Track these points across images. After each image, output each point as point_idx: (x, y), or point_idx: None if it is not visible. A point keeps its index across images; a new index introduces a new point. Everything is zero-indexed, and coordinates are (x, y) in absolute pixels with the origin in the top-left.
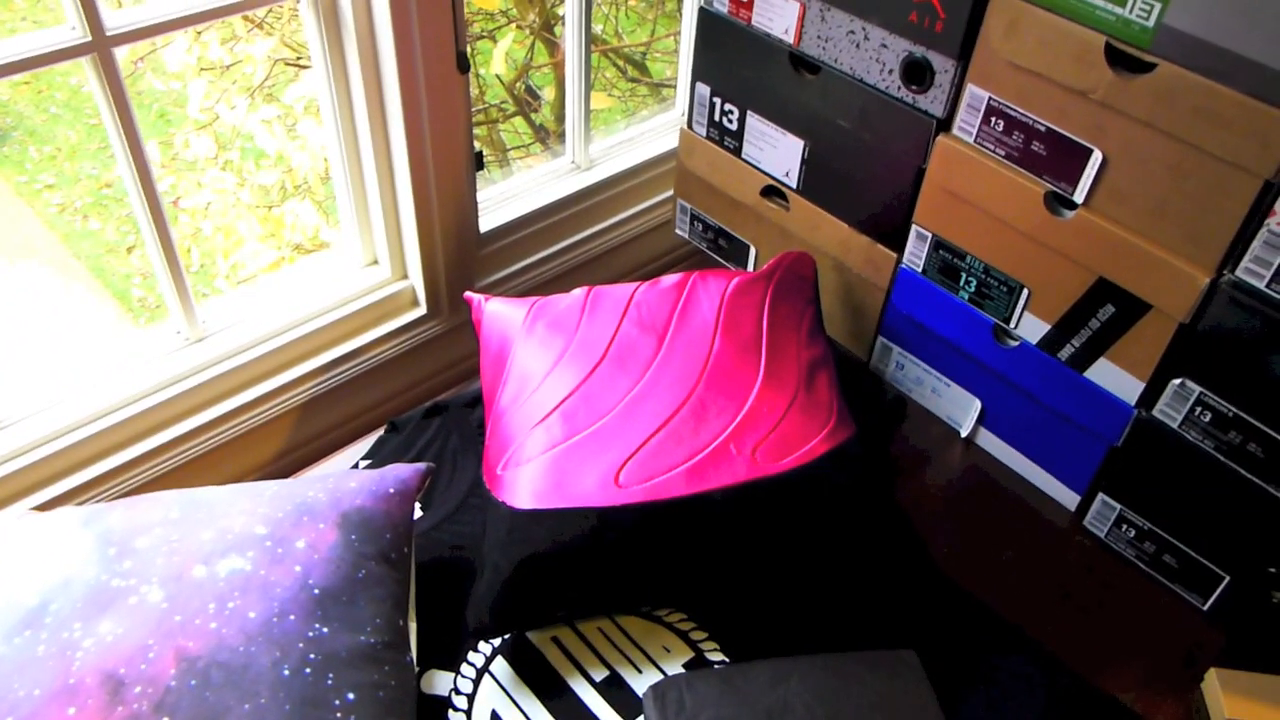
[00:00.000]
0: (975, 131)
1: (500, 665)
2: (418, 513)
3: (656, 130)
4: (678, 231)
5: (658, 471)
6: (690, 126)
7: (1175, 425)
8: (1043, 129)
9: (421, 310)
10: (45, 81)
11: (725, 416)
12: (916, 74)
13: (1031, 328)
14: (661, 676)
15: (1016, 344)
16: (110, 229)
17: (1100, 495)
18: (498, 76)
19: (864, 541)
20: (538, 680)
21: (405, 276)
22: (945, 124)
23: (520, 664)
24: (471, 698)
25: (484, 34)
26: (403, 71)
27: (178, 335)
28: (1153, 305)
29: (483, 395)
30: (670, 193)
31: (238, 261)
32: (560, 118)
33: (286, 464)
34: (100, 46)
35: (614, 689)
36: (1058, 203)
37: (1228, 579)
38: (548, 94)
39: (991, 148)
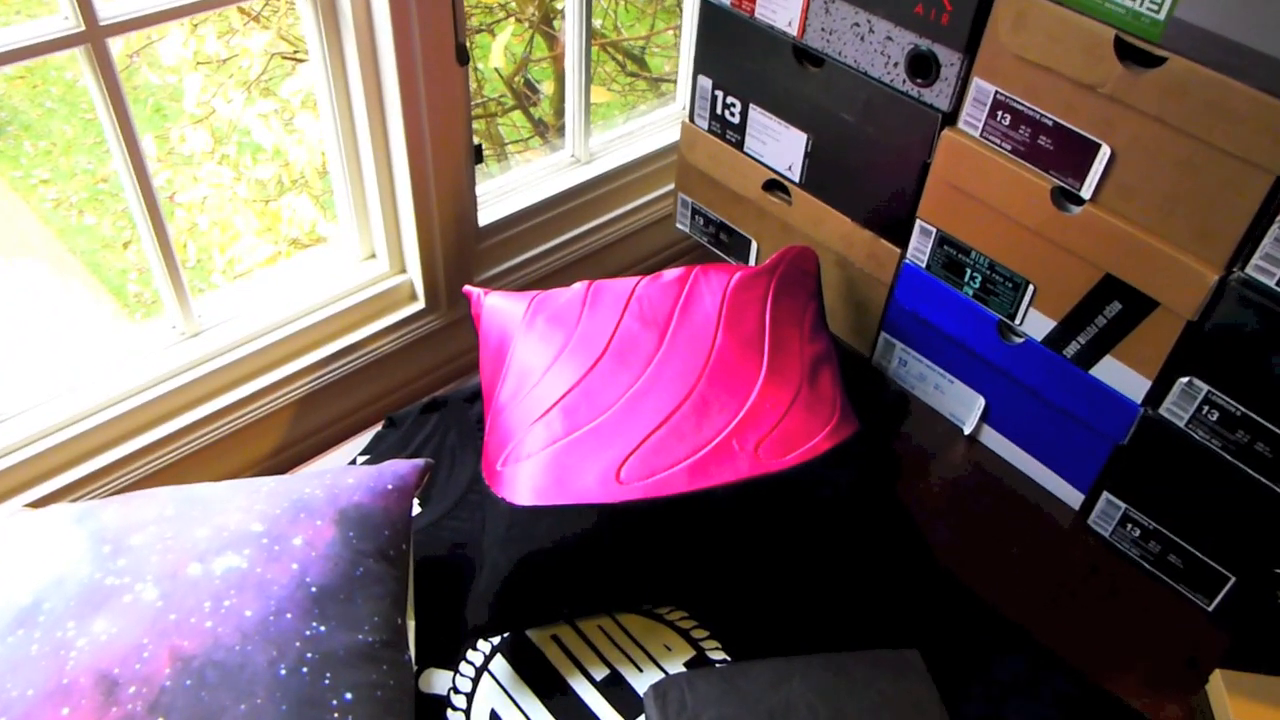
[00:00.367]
0: (981, 125)
1: (500, 664)
2: (416, 509)
3: (656, 124)
4: (678, 226)
5: (659, 468)
6: (692, 120)
7: (1182, 424)
8: (1050, 123)
9: (420, 304)
10: (40, 75)
11: (728, 413)
12: (922, 67)
13: (1037, 324)
14: (662, 675)
15: (1021, 341)
16: (106, 224)
17: (1105, 494)
18: (497, 70)
19: (866, 539)
20: (538, 679)
21: (403, 270)
22: (951, 118)
23: (520, 663)
24: (470, 697)
25: (482, 27)
26: (401, 64)
27: (173, 330)
28: (1160, 302)
29: (482, 390)
30: (671, 186)
31: (234, 256)
32: (559, 112)
33: (283, 459)
34: (94, 37)
35: (615, 688)
36: (1064, 198)
37: (1233, 580)
38: (546, 88)
39: (998, 142)
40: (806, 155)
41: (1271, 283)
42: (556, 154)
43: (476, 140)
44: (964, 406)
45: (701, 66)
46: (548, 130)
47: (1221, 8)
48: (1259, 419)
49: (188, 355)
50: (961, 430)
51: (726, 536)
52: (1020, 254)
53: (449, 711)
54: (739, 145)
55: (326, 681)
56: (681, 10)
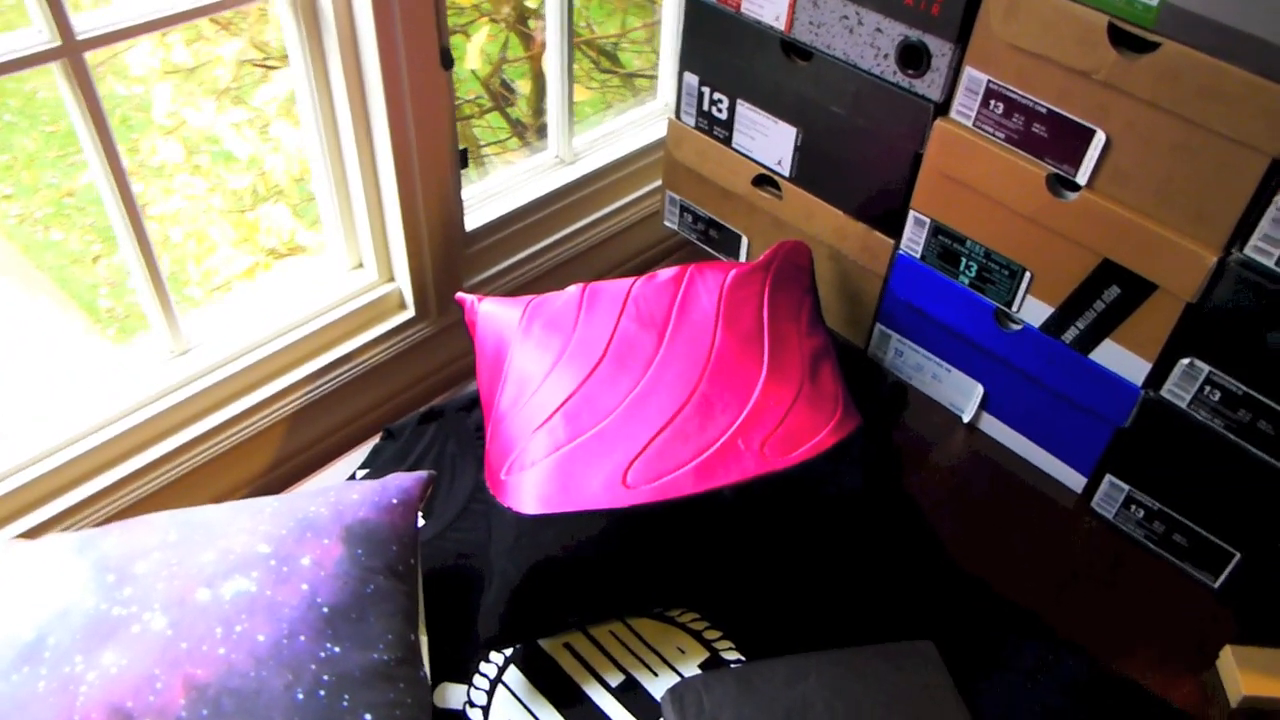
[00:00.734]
0: (974, 115)
1: (514, 675)
2: (419, 521)
3: (640, 121)
4: (666, 224)
5: (666, 470)
6: (678, 117)
7: (1184, 405)
8: (1044, 111)
9: (410, 313)
10: None
11: (731, 412)
12: (913, 58)
13: (1034, 311)
14: (677, 678)
15: (1019, 328)
16: (74, 239)
17: (1108, 477)
18: (473, 72)
19: (874, 533)
20: (553, 689)
21: (392, 279)
22: (943, 108)
23: (534, 673)
24: (487, 710)
25: (456, 29)
26: (386, 70)
27: (162, 349)
28: (1159, 285)
29: (480, 399)
30: (658, 183)
31: (210, 268)
32: (536, 112)
33: (279, 475)
34: (71, 51)
35: (631, 693)
36: (1060, 185)
37: (1239, 556)
38: (522, 87)
39: (991, 131)
40: (796, 149)
41: (1270, 263)
42: (540, 155)
43: (460, 145)
44: (962, 395)
45: (687, 63)
46: (526, 131)
47: None
48: (1261, 397)
49: (177, 374)
50: (960, 418)
51: (735, 536)
52: (1016, 241)
53: None
54: (727, 141)
55: (345, 703)
56: (656, 5)
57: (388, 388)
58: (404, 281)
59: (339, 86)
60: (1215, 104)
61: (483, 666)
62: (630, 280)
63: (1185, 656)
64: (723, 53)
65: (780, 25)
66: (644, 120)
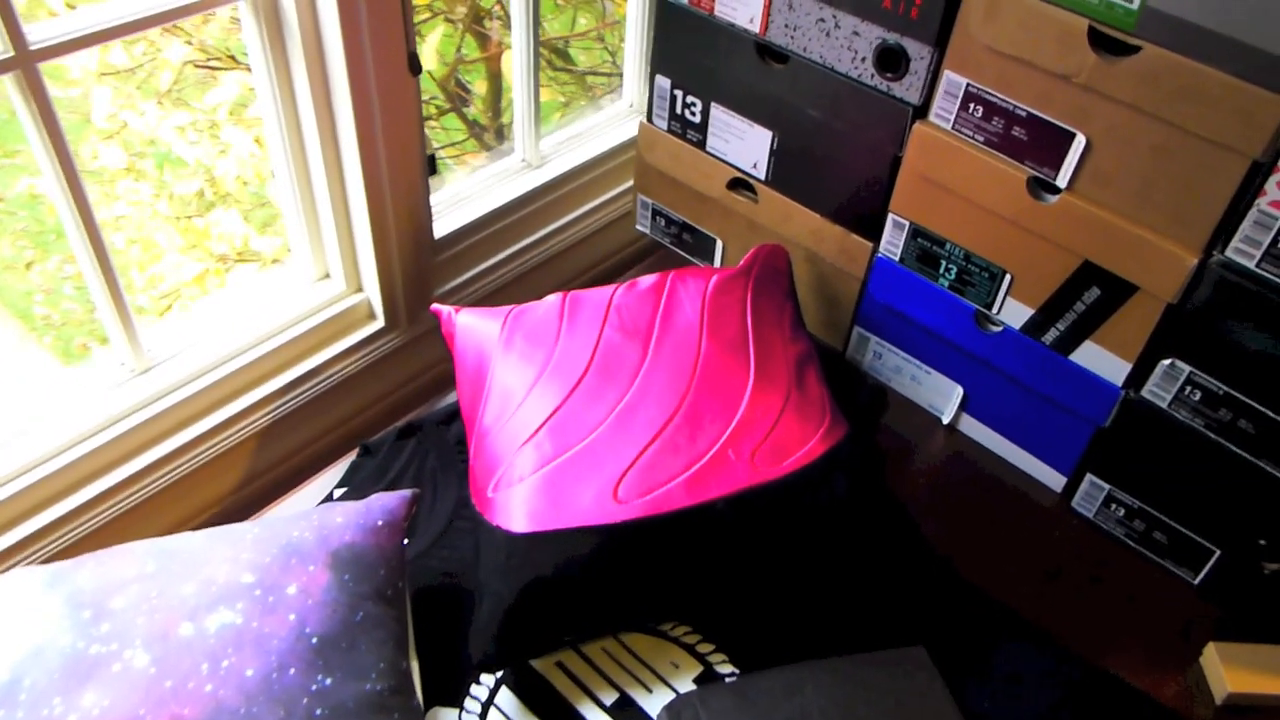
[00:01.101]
0: (953, 118)
1: (506, 697)
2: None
3: (606, 123)
4: (639, 227)
5: (657, 483)
6: (650, 120)
7: (1164, 405)
8: (1024, 114)
9: (379, 323)
10: None
11: (720, 422)
12: (891, 61)
13: (1014, 313)
14: (672, 694)
15: (999, 329)
16: (5, 245)
17: (1088, 476)
18: (429, 73)
19: (865, 538)
20: (546, 710)
21: (360, 289)
22: (922, 111)
23: (527, 694)
24: None
25: None
26: (354, 76)
27: (121, 367)
28: (1140, 287)
29: (462, 413)
30: (628, 185)
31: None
32: (494, 113)
33: (249, 493)
34: (24, 62)
35: (626, 711)
36: (1040, 188)
37: (1219, 553)
38: (479, 88)
39: (970, 134)
40: (772, 153)
41: (1251, 264)
42: (506, 159)
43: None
44: (942, 396)
45: (659, 66)
46: (484, 133)
47: None
48: (1241, 397)
49: (139, 393)
50: (940, 420)
51: (727, 547)
52: (996, 244)
53: None
54: (701, 145)
55: None
56: (613, 3)
57: (359, 400)
58: (373, 291)
59: (303, 93)
60: (1195, 106)
61: (474, 689)
62: (611, 289)
63: (1171, 654)
64: (695, 56)
65: (755, 28)
66: (611, 122)
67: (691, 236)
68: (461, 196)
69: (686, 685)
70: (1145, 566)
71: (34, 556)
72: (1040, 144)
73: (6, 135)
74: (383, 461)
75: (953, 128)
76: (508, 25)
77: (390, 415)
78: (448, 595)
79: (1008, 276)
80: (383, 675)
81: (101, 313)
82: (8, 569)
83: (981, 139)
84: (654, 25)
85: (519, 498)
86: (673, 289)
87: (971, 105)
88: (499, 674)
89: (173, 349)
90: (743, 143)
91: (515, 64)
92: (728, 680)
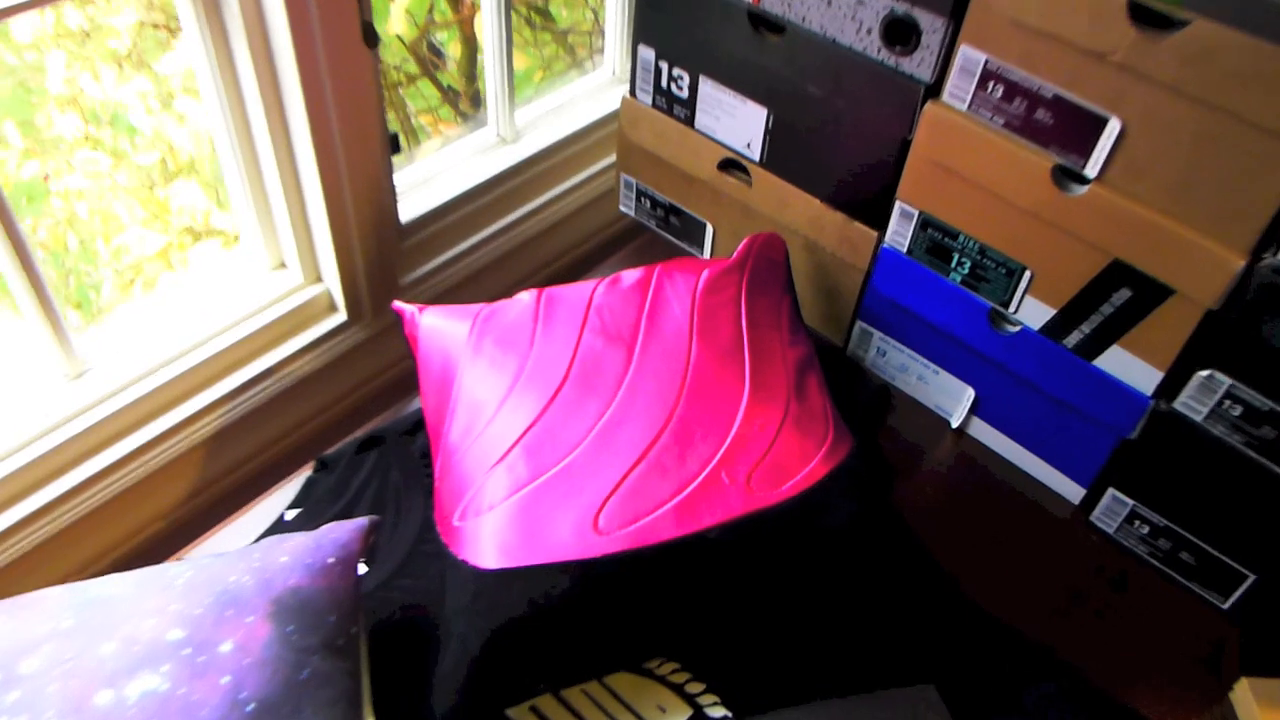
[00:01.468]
0: (970, 98)
1: None
2: (361, 569)
3: (587, 94)
4: (622, 208)
5: (642, 511)
6: (633, 94)
7: (1199, 419)
8: (1050, 96)
9: (341, 316)
10: None
11: (713, 440)
12: (900, 33)
13: (1033, 313)
14: None
15: (1016, 330)
16: None
17: (1111, 490)
18: (399, 37)
19: (870, 565)
20: None
21: (319, 279)
22: (934, 89)
23: None
24: None
25: None
26: (300, 47)
27: (53, 372)
28: (1176, 290)
29: (426, 425)
30: (610, 160)
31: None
32: (469, 78)
33: (198, 505)
34: None
35: None
36: (1067, 177)
37: (1253, 578)
38: (453, 51)
39: (989, 116)
40: (767, 132)
41: None
42: (479, 134)
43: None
44: (951, 398)
45: (641, 35)
46: (459, 98)
47: None
48: None
49: (74, 401)
50: (948, 423)
51: (722, 580)
52: (1015, 238)
53: None
54: (689, 121)
55: None
56: None
57: (320, 399)
58: (333, 282)
59: (245, 66)
60: (1250, 89)
61: None
62: (590, 285)
63: (1195, 686)
64: (682, 25)
65: None
66: (591, 92)
67: (679, 220)
68: (430, 175)
69: None
70: (1170, 588)
71: None
72: (1068, 129)
73: None
74: (340, 478)
75: (969, 109)
76: None
77: (355, 415)
78: (411, 632)
79: (1027, 273)
80: None
81: (28, 318)
82: None
83: (1001, 122)
84: None
85: (489, 528)
86: (659, 286)
87: (991, 84)
88: None
89: (111, 350)
90: (735, 121)
91: (486, 31)
92: None
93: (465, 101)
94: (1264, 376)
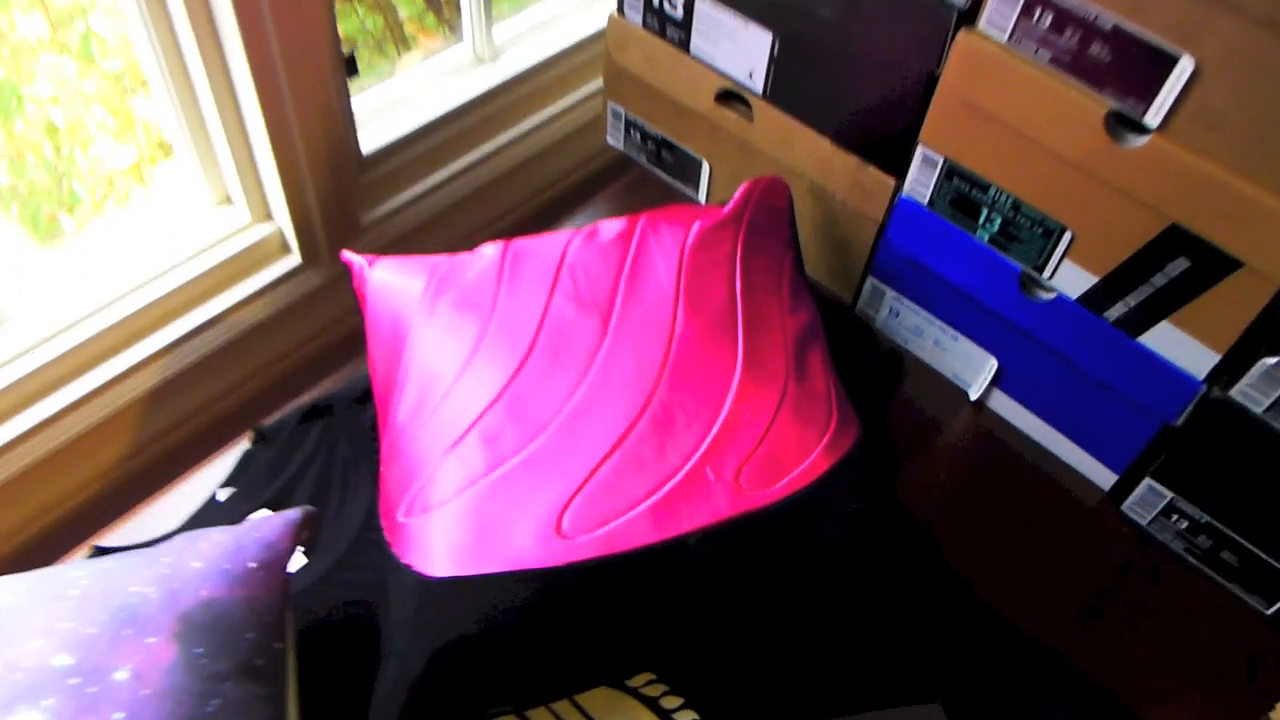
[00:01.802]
0: (1011, 27)
1: None
2: (299, 560)
3: (577, 5)
4: (609, 141)
5: (614, 512)
6: (621, 12)
7: (1259, 411)
8: (1109, 27)
9: (294, 258)
10: None
11: (698, 427)
12: None
13: (1071, 279)
14: None
15: (1050, 297)
16: None
17: (1148, 480)
18: None
19: (873, 568)
20: None
21: (269, 217)
22: (969, 16)
23: None
24: None
25: None
26: None
27: None
28: (1244, 263)
29: (374, 397)
30: (598, 83)
31: (97, 156)
32: None
33: (133, 468)
34: None
35: None
36: (1123, 126)
37: None
38: None
39: (1033, 50)
40: (772, 60)
41: None
42: (453, 50)
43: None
44: (970, 368)
45: None
46: (441, 6)
47: None
48: None
49: None
50: (965, 394)
51: (704, 593)
52: (1056, 193)
53: None
54: (684, 45)
55: None
56: None
57: (271, 350)
58: (284, 220)
59: None
60: None
61: None
62: (565, 237)
63: (1232, 700)
64: None
65: None
66: (582, 4)
67: (672, 156)
68: (398, 99)
69: None
70: (1206, 589)
71: None
72: (1128, 68)
73: None
74: (282, 451)
75: (1009, 41)
76: None
77: (311, 367)
78: (354, 632)
79: (1067, 235)
80: None
81: None
82: None
83: (1048, 57)
84: None
85: (439, 528)
86: (642, 241)
87: (1037, 12)
88: None
89: (35, 296)
90: (735, 46)
91: None
92: None
93: (449, 8)
94: None
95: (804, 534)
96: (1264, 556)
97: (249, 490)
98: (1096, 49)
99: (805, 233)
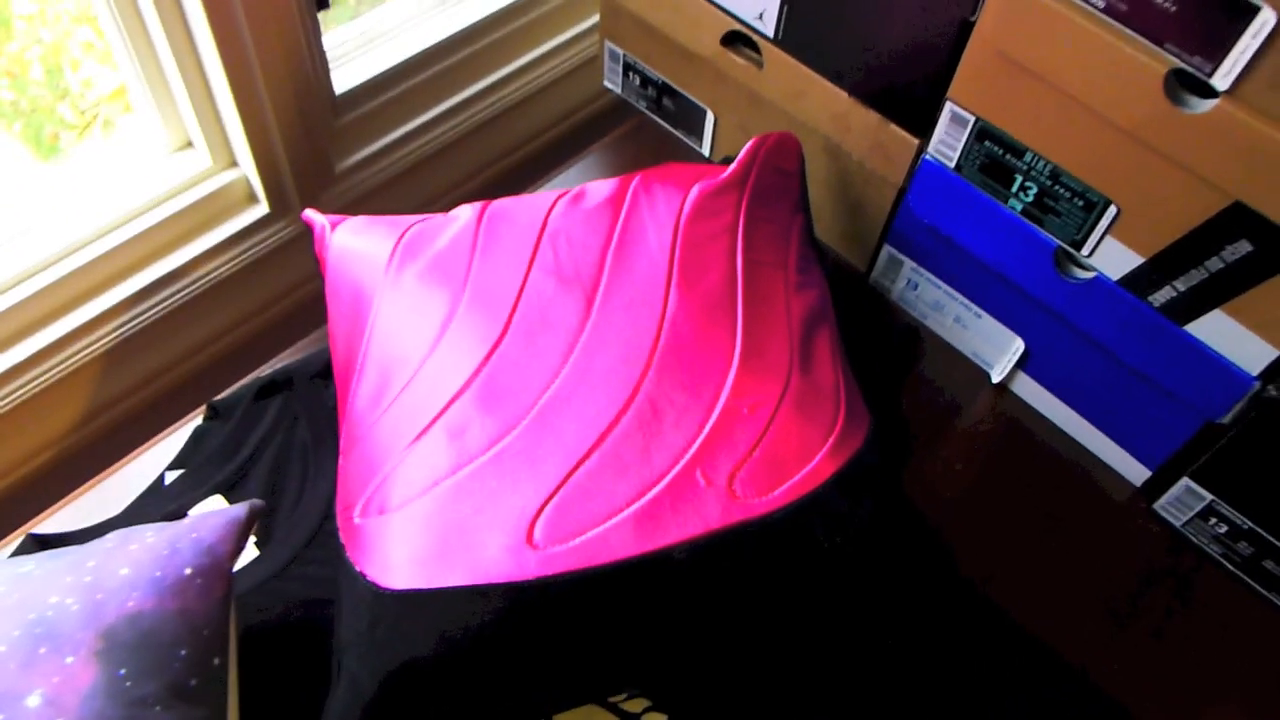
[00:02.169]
0: None
1: None
2: (251, 553)
3: None
4: (607, 84)
5: (591, 521)
6: None
7: None
8: None
9: (262, 208)
10: None
11: (688, 425)
12: None
13: (1114, 258)
14: None
15: (1088, 277)
16: None
17: (1185, 480)
18: None
19: (882, 581)
20: None
21: (234, 164)
22: None
23: None
24: None
25: None
26: None
27: None
28: None
29: (334, 377)
30: (595, 19)
31: (88, 78)
32: None
33: (85, 437)
34: None
35: None
36: (1185, 87)
37: None
38: None
39: None
40: (784, 1)
41: None
42: None
43: None
44: (994, 348)
45: None
46: None
47: None
48: None
49: None
50: (987, 376)
51: (689, 612)
52: (1102, 162)
53: None
54: None
55: None
56: None
57: (237, 309)
58: (249, 167)
59: None
60: None
61: None
62: (548, 200)
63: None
64: None
65: None
66: None
67: (674, 103)
68: (375, 34)
69: None
70: (1242, 599)
71: None
72: (1196, 20)
73: None
74: (236, 430)
75: None
76: None
77: (281, 326)
78: (311, 637)
79: (1111, 209)
80: None
81: None
82: None
83: (1102, 5)
84: None
85: (399, 533)
86: (634, 207)
87: None
88: None
89: None
90: None
91: None
92: None
93: None
94: None
95: (804, 546)
96: None
97: (199, 473)
98: None
99: (817, 194)
